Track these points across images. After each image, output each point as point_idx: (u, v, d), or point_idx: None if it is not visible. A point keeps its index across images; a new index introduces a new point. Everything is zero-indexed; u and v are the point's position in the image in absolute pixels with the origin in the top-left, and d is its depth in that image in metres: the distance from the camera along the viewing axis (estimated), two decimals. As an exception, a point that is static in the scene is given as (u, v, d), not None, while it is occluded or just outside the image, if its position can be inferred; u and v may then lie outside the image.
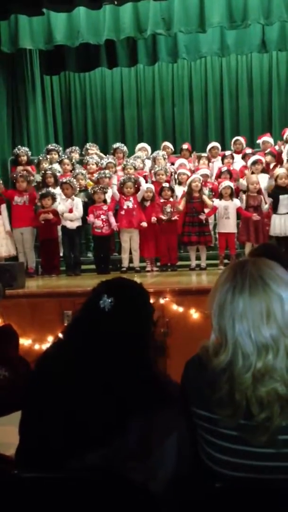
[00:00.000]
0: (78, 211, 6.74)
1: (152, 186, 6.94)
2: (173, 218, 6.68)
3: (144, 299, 1.58)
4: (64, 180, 6.83)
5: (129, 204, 6.68)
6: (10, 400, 1.52)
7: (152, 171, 7.51)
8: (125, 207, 6.69)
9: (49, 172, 7.28)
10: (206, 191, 7.05)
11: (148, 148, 8.61)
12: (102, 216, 6.72)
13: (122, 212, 6.70)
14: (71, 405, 1.38)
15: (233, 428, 1.34)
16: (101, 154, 8.37)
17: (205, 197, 6.65)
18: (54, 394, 1.42)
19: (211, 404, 1.35)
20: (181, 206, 6.69)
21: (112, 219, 6.71)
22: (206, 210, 6.73)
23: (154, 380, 1.46)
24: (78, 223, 6.79)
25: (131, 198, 6.71)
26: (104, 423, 1.36)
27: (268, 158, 7.53)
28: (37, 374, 1.53)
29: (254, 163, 7.20)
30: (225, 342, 1.38)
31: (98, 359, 1.41)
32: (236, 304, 1.36)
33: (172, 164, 8.10)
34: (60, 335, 1.59)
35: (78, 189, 6.96)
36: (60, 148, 8.50)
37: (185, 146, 8.59)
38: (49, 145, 8.41)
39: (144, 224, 6.61)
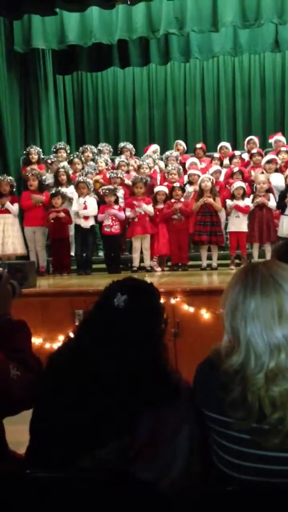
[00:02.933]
0: (93, 209, 6.76)
1: (164, 189, 6.93)
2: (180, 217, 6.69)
3: (156, 297, 1.60)
4: (80, 180, 6.85)
5: (140, 210, 6.67)
6: (22, 399, 1.53)
7: (165, 171, 7.51)
8: (137, 213, 6.67)
9: (62, 170, 7.31)
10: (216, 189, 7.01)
11: (158, 148, 8.61)
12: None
13: (136, 220, 6.70)
14: (83, 403, 1.38)
15: (245, 432, 1.33)
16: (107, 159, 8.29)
17: (211, 201, 6.59)
18: (65, 392, 1.43)
19: (224, 407, 1.35)
20: (194, 208, 6.67)
21: (120, 214, 6.69)
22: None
23: (166, 376, 1.46)
24: (92, 222, 6.81)
25: (142, 202, 6.71)
26: (115, 418, 1.36)
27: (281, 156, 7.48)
28: (49, 372, 1.53)
29: (268, 162, 7.16)
30: (237, 343, 1.38)
31: (112, 356, 1.42)
32: (248, 304, 1.36)
33: (184, 163, 8.10)
34: (71, 334, 1.60)
35: (92, 188, 6.99)
36: (68, 147, 8.52)
37: (199, 145, 8.58)
38: (57, 144, 8.44)
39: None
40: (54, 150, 8.21)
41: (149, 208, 6.68)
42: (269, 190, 6.64)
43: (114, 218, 6.71)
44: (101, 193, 6.94)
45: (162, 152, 8.47)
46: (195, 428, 1.44)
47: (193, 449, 1.43)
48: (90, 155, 8.27)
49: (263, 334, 1.34)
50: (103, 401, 1.37)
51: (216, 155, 8.16)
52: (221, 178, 7.45)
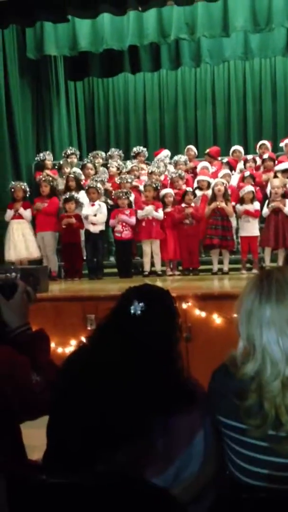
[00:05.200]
0: (102, 215, 6.78)
1: (171, 191, 6.94)
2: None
3: (172, 304, 1.61)
4: (91, 185, 6.88)
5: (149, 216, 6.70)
6: (41, 404, 1.54)
7: (169, 177, 7.51)
8: (145, 218, 6.70)
9: (72, 176, 7.35)
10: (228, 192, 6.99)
11: (169, 154, 8.62)
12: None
13: (143, 224, 6.73)
14: (97, 407, 1.39)
15: (261, 439, 1.33)
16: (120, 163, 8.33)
17: (223, 205, 6.59)
18: (80, 396, 1.43)
19: (240, 414, 1.34)
20: (207, 211, 6.66)
21: (131, 220, 6.72)
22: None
23: (181, 382, 1.46)
24: (101, 227, 6.83)
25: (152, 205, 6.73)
26: (130, 423, 1.36)
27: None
28: (64, 376, 1.54)
29: (284, 171, 7.12)
30: (253, 350, 1.37)
31: (128, 363, 1.42)
32: (263, 311, 1.36)
33: (195, 168, 8.10)
34: (83, 339, 1.61)
35: (103, 193, 7.02)
36: (78, 152, 8.57)
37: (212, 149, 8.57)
38: (68, 149, 8.50)
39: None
40: (65, 155, 8.27)
41: (159, 214, 6.68)
42: (285, 195, 6.61)
43: (124, 223, 6.74)
44: (114, 196, 6.96)
45: (172, 156, 8.48)
46: (209, 434, 1.44)
47: (207, 455, 1.43)
48: (101, 160, 8.31)
49: (279, 341, 1.33)
50: (118, 405, 1.38)
51: (225, 160, 8.14)
52: (232, 182, 7.44)
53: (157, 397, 1.40)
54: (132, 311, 1.49)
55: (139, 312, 1.49)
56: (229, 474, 1.43)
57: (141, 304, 1.50)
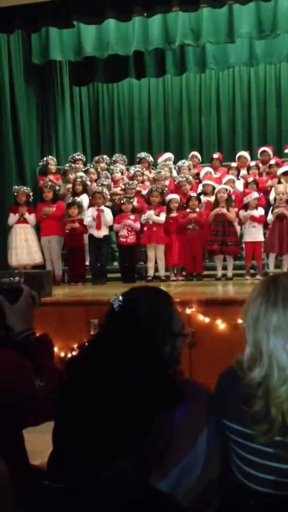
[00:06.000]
0: (108, 220, 6.78)
1: (177, 196, 6.95)
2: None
3: (171, 302, 1.59)
4: (97, 190, 6.89)
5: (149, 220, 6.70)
6: (45, 410, 1.53)
7: (176, 181, 7.53)
8: (150, 223, 6.71)
9: (79, 180, 7.37)
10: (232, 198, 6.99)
11: (172, 157, 8.63)
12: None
13: (145, 228, 6.74)
14: (101, 409, 1.38)
15: (268, 445, 1.32)
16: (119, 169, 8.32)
17: (224, 211, 6.59)
18: (83, 399, 1.43)
19: (246, 419, 1.34)
20: (210, 217, 6.66)
21: (135, 225, 6.73)
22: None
23: (179, 382, 1.46)
24: (105, 232, 6.84)
25: (157, 210, 6.73)
26: (133, 426, 1.35)
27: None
28: (69, 381, 1.54)
29: (285, 173, 7.13)
30: (259, 355, 1.37)
31: (128, 364, 1.42)
32: (270, 317, 1.36)
33: (198, 173, 8.11)
34: (86, 341, 1.61)
35: (109, 199, 7.04)
36: (84, 158, 8.59)
37: (216, 155, 8.59)
38: (75, 155, 8.52)
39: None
40: (72, 160, 8.29)
41: (160, 218, 6.69)
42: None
43: (129, 228, 6.74)
44: (118, 202, 6.97)
45: (176, 162, 8.48)
46: (212, 435, 1.43)
47: (210, 456, 1.42)
48: (104, 165, 8.33)
49: (286, 347, 1.33)
50: (120, 409, 1.37)
51: (234, 164, 8.15)
52: (238, 187, 7.44)
53: (163, 399, 1.39)
54: (114, 306, 1.50)
55: (117, 305, 1.50)
56: (234, 480, 1.42)
57: (120, 297, 1.50)
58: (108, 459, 1.31)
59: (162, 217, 6.70)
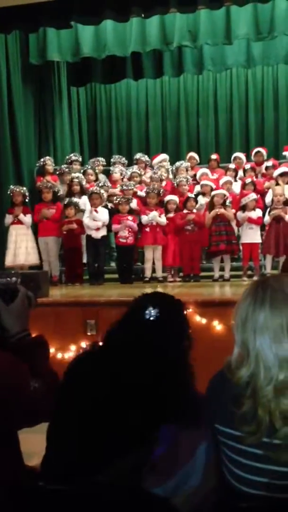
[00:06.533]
0: (104, 219, 6.78)
1: (175, 198, 6.95)
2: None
3: (183, 312, 1.61)
4: (94, 190, 6.88)
5: (153, 221, 6.71)
6: (40, 411, 1.53)
7: (175, 182, 7.53)
8: (149, 223, 6.72)
9: (76, 180, 7.37)
10: (227, 201, 7.00)
11: (167, 158, 8.64)
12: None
13: (147, 229, 6.73)
14: (103, 414, 1.37)
15: (257, 446, 1.32)
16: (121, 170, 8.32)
17: (222, 211, 6.61)
18: (85, 402, 1.42)
19: (235, 420, 1.34)
20: (207, 219, 6.67)
21: (135, 226, 6.73)
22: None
23: (190, 394, 1.46)
24: (103, 233, 6.83)
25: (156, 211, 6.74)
26: (135, 431, 1.35)
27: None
28: (69, 381, 1.53)
29: (282, 174, 7.15)
30: (247, 355, 1.38)
31: (139, 369, 1.41)
32: (257, 317, 1.37)
33: (195, 174, 8.11)
34: (84, 345, 1.60)
35: (106, 199, 7.03)
36: (81, 158, 8.59)
37: (214, 156, 8.60)
38: (71, 155, 8.51)
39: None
40: (69, 161, 8.28)
41: (163, 219, 6.71)
42: (287, 203, 6.61)
43: (129, 229, 6.74)
44: (115, 202, 6.96)
45: (173, 163, 8.48)
46: (210, 447, 1.43)
47: (208, 468, 1.42)
48: (101, 167, 8.33)
49: (272, 346, 1.34)
50: (121, 415, 1.37)
51: (232, 166, 8.16)
52: (235, 189, 7.45)
53: (165, 408, 1.39)
54: (146, 317, 1.49)
55: (153, 317, 1.49)
56: (226, 483, 1.42)
57: (155, 309, 1.50)
58: (105, 463, 1.30)
59: (164, 219, 6.72)
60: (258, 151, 8.30)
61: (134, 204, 7.04)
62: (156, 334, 1.48)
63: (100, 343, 1.58)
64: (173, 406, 1.39)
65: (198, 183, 7.75)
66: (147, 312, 1.50)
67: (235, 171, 8.00)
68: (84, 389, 1.45)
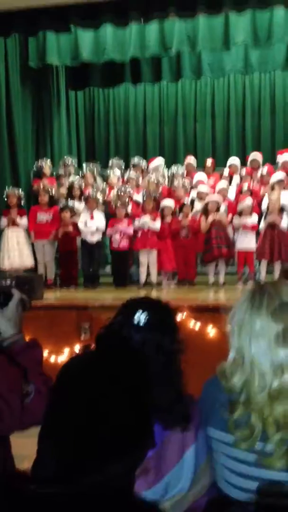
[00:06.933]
0: (101, 225, 6.78)
1: (171, 204, 6.97)
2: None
3: (173, 317, 1.62)
4: (90, 194, 6.88)
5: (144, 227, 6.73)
6: (31, 415, 1.53)
7: (172, 187, 7.55)
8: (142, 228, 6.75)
9: (77, 184, 7.38)
10: (222, 207, 7.02)
11: (163, 162, 8.65)
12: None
13: (139, 234, 6.75)
14: (93, 417, 1.38)
15: (250, 452, 1.33)
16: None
17: (219, 217, 6.65)
18: (76, 405, 1.42)
19: (229, 425, 1.35)
20: (202, 226, 6.69)
21: (128, 230, 6.74)
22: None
23: (181, 399, 1.46)
24: (98, 237, 6.83)
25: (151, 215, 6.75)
26: (125, 435, 1.35)
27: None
28: (61, 383, 1.53)
29: (277, 181, 7.17)
30: (242, 361, 1.38)
31: (128, 373, 1.42)
32: (253, 323, 1.37)
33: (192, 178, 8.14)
34: (76, 348, 1.61)
35: (101, 203, 7.04)
36: (76, 161, 8.60)
37: (209, 161, 8.62)
38: (66, 159, 8.52)
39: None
40: (63, 165, 8.29)
41: (156, 225, 6.71)
42: (283, 209, 6.64)
43: (122, 233, 6.74)
44: (113, 206, 6.96)
45: (169, 167, 8.50)
46: (201, 451, 1.44)
47: (197, 472, 1.42)
48: (96, 172, 8.35)
49: (267, 353, 1.34)
50: (112, 417, 1.37)
51: (226, 173, 8.18)
52: (230, 195, 7.48)
53: (156, 410, 1.39)
54: (135, 321, 1.50)
55: (143, 322, 1.50)
56: (218, 488, 1.42)
57: (144, 313, 1.51)
58: (95, 466, 1.31)
59: (158, 224, 6.72)
60: (254, 159, 8.32)
61: (129, 208, 7.05)
62: (145, 338, 1.49)
63: (92, 346, 1.59)
64: (162, 408, 1.40)
65: (194, 187, 7.77)
66: (136, 317, 1.51)
67: (230, 176, 8.02)
68: (76, 393, 1.45)
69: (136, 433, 1.34)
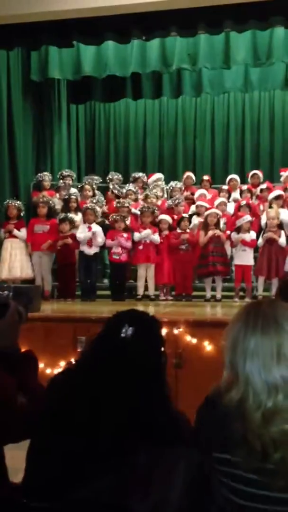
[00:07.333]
0: (101, 239, 6.78)
1: (167, 218, 7.00)
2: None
3: (159, 330, 1.61)
4: (88, 206, 6.90)
5: (146, 239, 6.75)
6: (26, 427, 1.52)
7: (168, 202, 7.59)
8: (143, 241, 6.75)
9: (74, 197, 7.40)
10: (222, 221, 7.04)
11: (162, 177, 8.70)
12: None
13: (140, 247, 6.76)
14: (81, 432, 1.37)
15: (251, 471, 1.31)
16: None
17: (220, 233, 6.68)
18: (64, 420, 1.42)
19: (228, 444, 1.33)
20: (201, 239, 6.70)
21: (127, 244, 6.75)
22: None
23: (170, 412, 1.45)
24: (95, 250, 6.84)
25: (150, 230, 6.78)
26: (113, 451, 1.35)
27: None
28: (48, 398, 1.53)
29: (276, 197, 7.21)
30: (236, 379, 1.37)
31: (114, 387, 1.41)
32: (248, 342, 1.37)
33: (192, 194, 8.18)
34: (68, 362, 1.60)
35: (100, 216, 7.05)
36: (73, 174, 8.65)
37: (206, 177, 8.68)
38: (63, 171, 8.57)
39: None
40: (61, 176, 8.33)
41: (156, 237, 6.75)
42: (281, 226, 6.67)
43: (123, 246, 6.76)
44: (111, 220, 6.98)
45: (168, 182, 8.55)
46: (191, 468, 1.42)
47: (189, 485, 1.41)
48: (94, 185, 8.40)
49: (261, 372, 1.33)
50: (101, 432, 1.36)
51: (225, 187, 8.24)
52: (229, 210, 7.51)
53: (144, 425, 1.38)
54: (123, 335, 1.49)
55: (129, 336, 1.49)
56: (220, 509, 1.40)
57: (131, 327, 1.50)
58: (82, 481, 1.30)
59: (157, 237, 6.76)
60: (255, 173, 8.40)
61: (128, 221, 7.06)
62: (131, 352, 1.48)
63: (73, 361, 1.59)
64: (150, 423, 1.39)
65: (194, 202, 7.80)
66: (123, 330, 1.51)
67: (228, 192, 8.07)
68: (61, 407, 1.44)
69: (124, 447, 1.33)
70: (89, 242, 6.74)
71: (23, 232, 6.96)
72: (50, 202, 7.33)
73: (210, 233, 6.66)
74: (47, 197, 7.58)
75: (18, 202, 7.17)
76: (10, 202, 7.07)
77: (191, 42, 7.96)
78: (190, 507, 1.40)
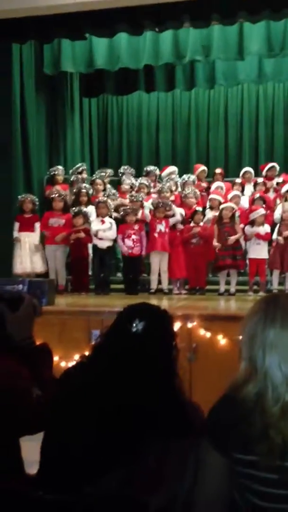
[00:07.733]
0: (113, 231, 6.79)
1: (182, 211, 6.97)
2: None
3: (171, 324, 1.60)
4: (101, 200, 6.90)
5: (161, 227, 6.72)
6: (41, 419, 1.53)
7: (182, 195, 7.56)
8: (157, 230, 6.73)
9: (84, 190, 7.41)
10: (237, 214, 7.00)
11: (176, 170, 8.66)
12: (133, 236, 6.75)
13: (155, 235, 6.74)
14: (93, 426, 1.37)
15: (272, 471, 1.29)
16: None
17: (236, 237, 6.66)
18: (76, 414, 1.42)
19: (248, 442, 1.31)
20: (215, 243, 6.66)
21: (144, 241, 6.75)
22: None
23: (180, 407, 1.45)
24: (109, 243, 6.84)
25: (163, 222, 6.75)
26: (125, 445, 1.35)
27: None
28: (61, 392, 1.53)
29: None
30: (254, 372, 1.36)
31: (126, 381, 1.41)
32: (267, 334, 1.35)
33: (209, 187, 8.13)
34: (81, 356, 1.60)
35: (112, 209, 7.05)
36: (87, 168, 8.65)
37: (218, 170, 8.62)
38: (79, 165, 8.58)
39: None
40: (77, 171, 8.33)
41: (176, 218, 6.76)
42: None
43: (134, 239, 6.74)
44: (122, 213, 6.97)
45: (181, 176, 8.51)
46: (202, 460, 1.41)
47: (197, 479, 1.40)
48: (108, 178, 8.38)
49: (281, 365, 1.32)
50: (113, 426, 1.36)
51: (238, 180, 8.18)
52: (243, 203, 7.46)
53: (156, 419, 1.38)
54: (133, 329, 1.49)
55: (140, 330, 1.49)
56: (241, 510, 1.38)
57: (142, 322, 1.50)
58: (94, 474, 1.30)
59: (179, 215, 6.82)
60: (273, 166, 8.33)
61: (139, 215, 7.04)
62: (143, 346, 1.48)
63: (81, 356, 1.59)
64: (163, 416, 1.38)
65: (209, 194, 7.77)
66: (134, 324, 1.50)
67: (241, 185, 8.01)
68: (73, 401, 1.45)
69: (136, 441, 1.33)
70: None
71: (37, 226, 6.99)
72: (65, 195, 7.35)
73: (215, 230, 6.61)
74: (61, 191, 7.59)
75: (33, 196, 7.20)
76: (25, 196, 7.09)
77: (205, 33, 7.88)
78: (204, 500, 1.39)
